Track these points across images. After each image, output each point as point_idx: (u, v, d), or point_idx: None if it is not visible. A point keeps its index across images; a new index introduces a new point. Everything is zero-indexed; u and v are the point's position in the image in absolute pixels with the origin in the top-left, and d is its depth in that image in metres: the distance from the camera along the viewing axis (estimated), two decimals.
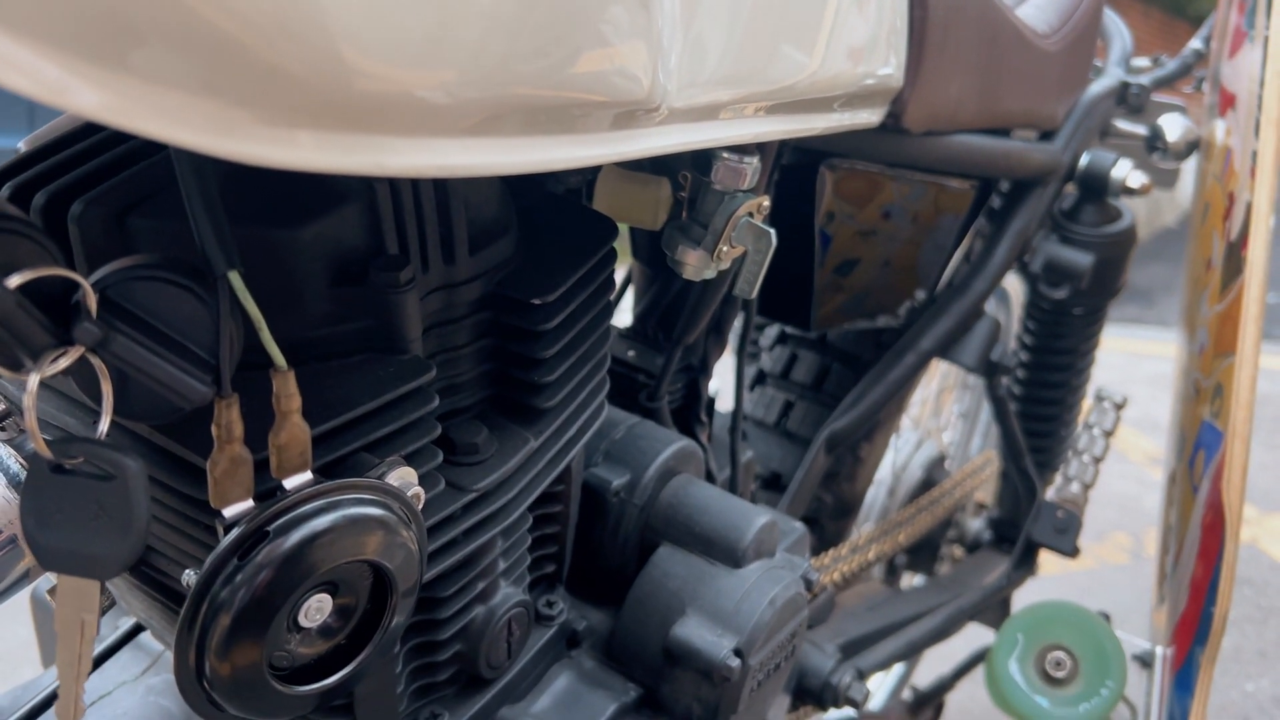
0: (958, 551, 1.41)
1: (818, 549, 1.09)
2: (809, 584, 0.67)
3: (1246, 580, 2.55)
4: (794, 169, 0.80)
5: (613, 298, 0.60)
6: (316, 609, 0.38)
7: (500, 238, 0.51)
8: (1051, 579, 2.43)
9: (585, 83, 0.35)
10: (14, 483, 0.45)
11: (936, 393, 1.56)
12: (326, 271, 0.43)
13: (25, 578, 0.48)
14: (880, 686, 1.63)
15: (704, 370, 0.77)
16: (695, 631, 0.61)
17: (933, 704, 1.30)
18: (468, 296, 0.50)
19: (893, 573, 1.31)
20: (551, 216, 0.56)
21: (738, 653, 0.60)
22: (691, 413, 0.78)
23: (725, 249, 0.56)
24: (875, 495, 1.41)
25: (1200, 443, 0.94)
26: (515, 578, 0.58)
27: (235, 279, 0.34)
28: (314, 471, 0.40)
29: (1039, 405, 1.25)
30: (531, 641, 0.61)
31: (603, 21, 0.36)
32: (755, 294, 0.59)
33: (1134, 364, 4.35)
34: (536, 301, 0.50)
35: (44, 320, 0.31)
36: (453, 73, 0.31)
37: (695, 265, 0.57)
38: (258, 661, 0.36)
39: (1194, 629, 0.89)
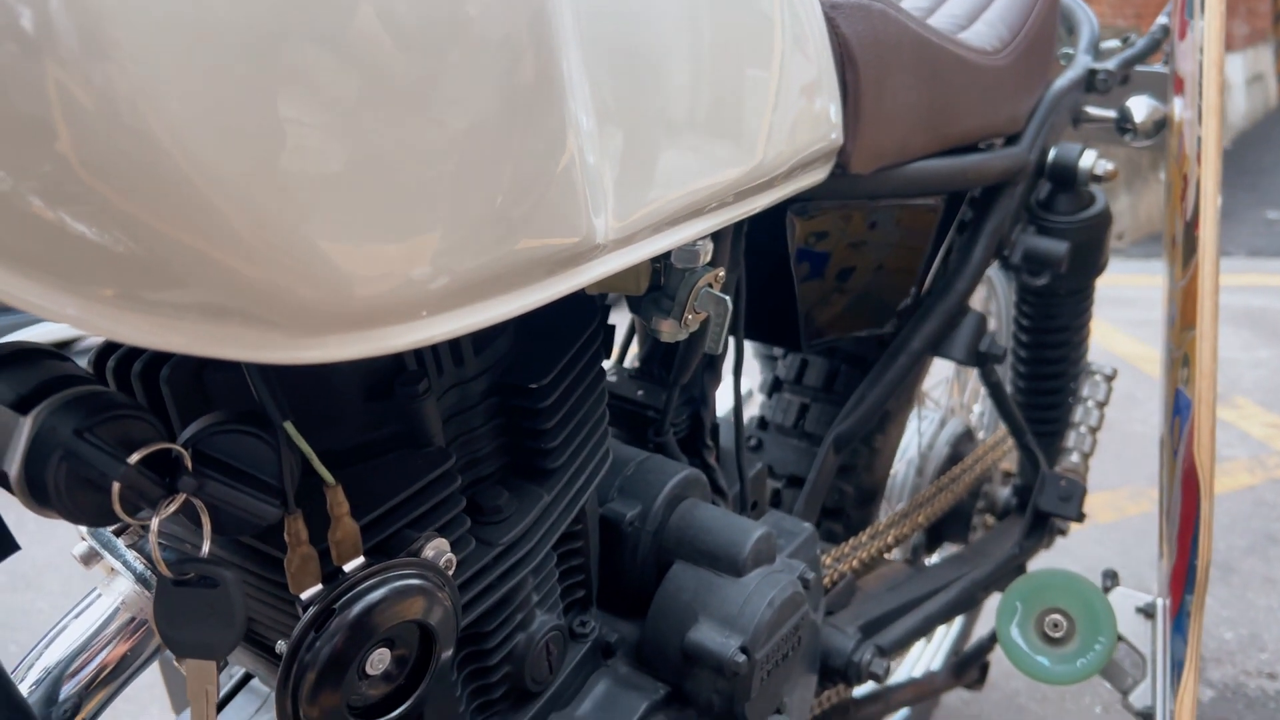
0: (990, 520, 1.50)
1: (845, 535, 1.19)
2: (805, 583, 0.78)
3: None
4: (764, 215, 0.90)
5: (618, 344, 0.71)
6: (379, 660, 0.50)
7: (499, 335, 0.63)
8: (1109, 525, 2.50)
9: (529, 249, 0.46)
10: (140, 579, 0.58)
11: (956, 370, 1.65)
12: (361, 392, 0.55)
13: (159, 649, 0.61)
14: (938, 650, 1.73)
15: (704, 401, 0.88)
16: (707, 635, 0.72)
17: (976, 664, 1.39)
18: (478, 388, 0.61)
19: (916, 553, 1.41)
20: (545, 306, 0.67)
21: (744, 650, 0.71)
22: (698, 439, 0.89)
23: (690, 316, 0.67)
24: (906, 474, 1.51)
25: (1176, 409, 1.03)
26: (549, 606, 0.70)
27: (289, 427, 0.46)
28: (368, 550, 0.52)
29: (1042, 381, 1.33)
30: (570, 656, 0.72)
31: (531, 193, 0.46)
32: (721, 349, 0.69)
33: None
34: (534, 386, 0.61)
35: (156, 479, 0.43)
36: (428, 272, 0.42)
37: (669, 331, 0.68)
38: (338, 705, 0.48)
39: (1184, 579, 0.98)
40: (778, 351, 1.26)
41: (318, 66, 0.37)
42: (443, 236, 0.42)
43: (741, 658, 0.70)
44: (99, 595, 0.59)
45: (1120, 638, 1.03)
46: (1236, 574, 2.25)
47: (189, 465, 0.44)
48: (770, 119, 0.66)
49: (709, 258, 0.66)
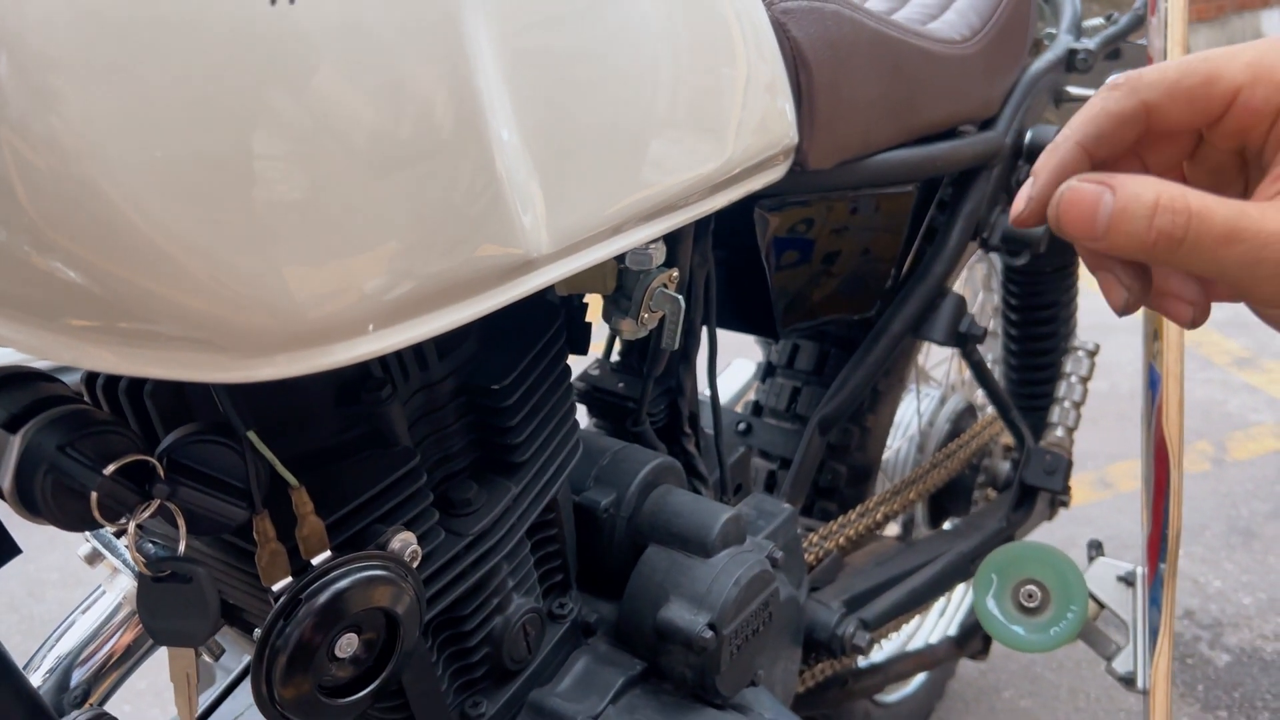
0: (991, 494, 1.53)
1: (840, 514, 1.23)
2: (774, 562, 0.82)
3: None
4: (734, 209, 0.93)
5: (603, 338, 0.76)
6: (347, 644, 0.55)
7: (464, 340, 0.67)
8: (1131, 494, 2.51)
9: (461, 267, 0.50)
10: (136, 575, 0.64)
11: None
12: (330, 399, 0.60)
13: None
14: (952, 621, 1.76)
15: (681, 392, 0.92)
16: (677, 613, 0.76)
17: (979, 635, 1.42)
18: (445, 390, 0.66)
19: (907, 529, 1.44)
20: (505, 311, 0.71)
21: (711, 626, 0.75)
22: (676, 428, 0.93)
23: (646, 315, 0.71)
24: (908, 451, 1.54)
25: (1151, 382, 1.05)
26: (526, 590, 0.74)
27: (253, 436, 0.51)
28: (340, 545, 0.57)
29: (1032, 358, 1.36)
30: (550, 636, 0.77)
31: (458, 212, 0.49)
32: (680, 343, 0.74)
33: None
34: (495, 387, 0.66)
35: (132, 487, 0.48)
36: (372, 292, 0.46)
37: (628, 330, 0.72)
38: (309, 686, 0.53)
39: (1158, 548, 1.01)
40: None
41: (247, 111, 0.42)
42: (376, 260, 0.47)
43: (709, 634, 0.75)
44: (103, 592, 0.64)
45: (1103, 605, 1.06)
46: (1258, 539, 2.26)
47: (162, 473, 0.49)
48: (717, 125, 0.69)
49: (663, 259, 0.70)
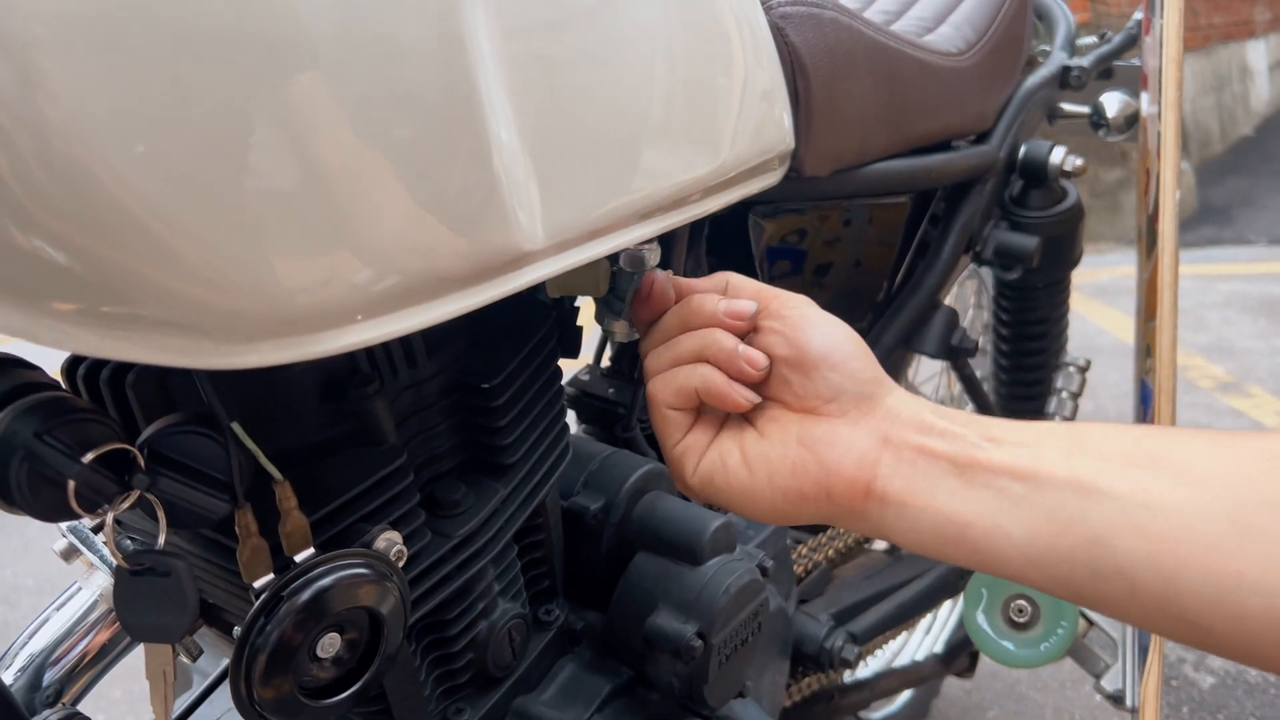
0: None
1: (827, 527, 1.22)
2: (764, 571, 0.81)
3: None
4: (730, 216, 0.93)
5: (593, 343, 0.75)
6: (329, 644, 0.53)
7: (454, 338, 0.66)
8: None
9: (451, 258, 0.49)
10: (114, 569, 0.62)
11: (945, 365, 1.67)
12: (316, 394, 0.59)
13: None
14: (938, 638, 1.75)
15: None
16: (665, 621, 0.75)
17: (965, 652, 1.41)
18: (434, 388, 0.65)
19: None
20: (496, 310, 0.70)
21: (700, 635, 0.74)
22: None
23: None
24: None
25: (1143, 398, 1.05)
26: (512, 595, 0.73)
27: (236, 427, 0.50)
28: (324, 543, 0.56)
29: (1024, 373, 1.35)
30: (535, 643, 0.76)
31: (453, 205, 0.49)
32: None
33: (1207, 287, 4.25)
34: (485, 385, 0.65)
35: (111, 476, 0.47)
36: (362, 282, 0.45)
37: (620, 332, 0.71)
38: (289, 686, 0.52)
39: None
40: None
41: (242, 99, 0.41)
42: (368, 250, 0.46)
43: (698, 642, 0.73)
44: (79, 588, 0.63)
45: (1092, 623, 1.05)
46: None
47: (142, 464, 0.48)
48: (715, 127, 0.69)
49: (656, 260, 0.70)
